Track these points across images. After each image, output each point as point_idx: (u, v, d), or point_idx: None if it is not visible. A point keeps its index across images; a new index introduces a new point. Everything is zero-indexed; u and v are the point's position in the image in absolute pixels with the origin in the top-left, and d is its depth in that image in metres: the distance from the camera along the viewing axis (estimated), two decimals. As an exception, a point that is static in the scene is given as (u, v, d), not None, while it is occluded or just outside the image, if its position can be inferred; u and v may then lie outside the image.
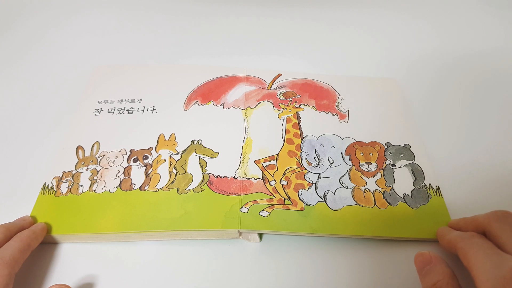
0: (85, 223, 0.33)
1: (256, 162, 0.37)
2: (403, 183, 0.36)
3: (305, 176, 0.36)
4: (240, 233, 0.33)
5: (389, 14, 0.59)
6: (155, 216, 0.33)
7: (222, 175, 0.36)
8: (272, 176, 0.36)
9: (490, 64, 0.51)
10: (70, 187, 0.36)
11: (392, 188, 0.36)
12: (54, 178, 0.36)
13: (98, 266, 0.32)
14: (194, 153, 0.38)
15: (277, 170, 0.37)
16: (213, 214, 0.33)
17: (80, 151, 0.38)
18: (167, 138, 0.39)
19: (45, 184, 0.36)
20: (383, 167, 0.38)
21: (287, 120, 0.41)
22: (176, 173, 0.36)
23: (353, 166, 0.37)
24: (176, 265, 0.32)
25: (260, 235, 0.34)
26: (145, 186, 0.35)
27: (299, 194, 0.35)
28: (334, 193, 0.35)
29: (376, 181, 0.36)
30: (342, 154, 0.38)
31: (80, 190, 0.35)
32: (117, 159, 0.38)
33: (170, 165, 0.37)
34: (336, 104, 0.43)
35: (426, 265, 0.29)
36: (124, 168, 0.37)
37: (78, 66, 0.49)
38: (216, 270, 0.32)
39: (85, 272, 0.32)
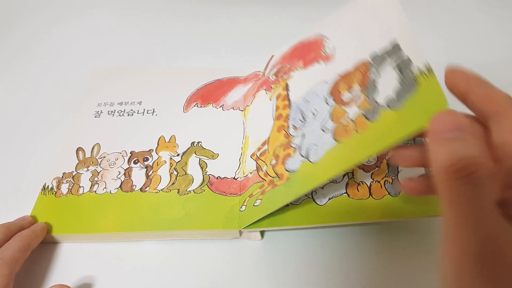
0: (86, 224, 0.33)
1: (251, 156, 0.37)
2: (388, 87, 0.27)
3: (291, 144, 0.33)
4: (240, 233, 0.33)
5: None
6: (156, 217, 0.33)
7: (222, 176, 0.36)
8: (264, 162, 0.35)
9: (494, 70, 0.49)
10: (70, 188, 0.36)
11: (375, 101, 0.28)
12: (54, 179, 0.37)
13: (98, 266, 0.32)
14: (194, 154, 0.38)
15: (268, 152, 0.35)
16: (213, 214, 0.33)
17: (80, 153, 0.39)
18: (167, 140, 0.39)
19: (45, 184, 0.36)
20: (366, 85, 0.30)
21: (277, 97, 0.39)
22: (177, 175, 0.36)
23: (335, 104, 0.31)
24: (177, 265, 0.32)
25: (262, 233, 0.34)
26: (146, 188, 0.36)
27: (286, 166, 0.32)
28: (317, 145, 0.31)
29: (358, 106, 0.29)
30: (325, 98, 0.33)
31: (81, 191, 0.36)
32: (117, 161, 0.38)
33: (171, 166, 0.37)
34: (323, 50, 0.38)
35: (454, 130, 0.19)
36: (125, 170, 0.37)
37: (78, 67, 0.49)
38: (217, 269, 0.32)
39: (85, 272, 0.32)
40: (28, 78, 0.49)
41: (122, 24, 0.57)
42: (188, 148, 0.39)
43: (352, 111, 0.29)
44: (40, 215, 0.34)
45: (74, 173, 0.37)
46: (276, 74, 0.41)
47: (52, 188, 0.36)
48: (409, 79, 0.26)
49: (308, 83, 0.36)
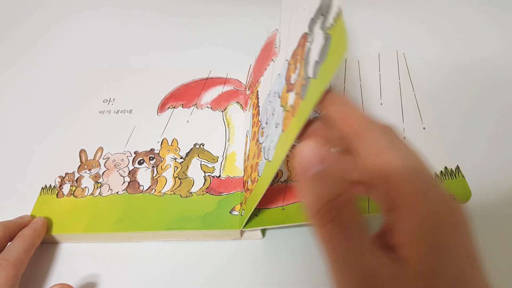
0: (87, 224, 0.33)
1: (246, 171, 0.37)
2: (315, 53, 0.23)
3: (261, 150, 0.32)
4: (242, 234, 0.34)
5: (387, 16, 0.58)
6: (159, 218, 0.34)
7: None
8: (249, 176, 0.35)
9: (492, 67, 0.50)
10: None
11: (308, 75, 0.24)
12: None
13: (99, 266, 0.32)
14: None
15: (248, 164, 0.36)
16: (214, 215, 0.34)
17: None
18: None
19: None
20: (304, 59, 0.26)
21: (253, 106, 0.39)
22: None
23: (285, 92, 0.28)
24: (177, 265, 0.32)
25: (263, 232, 0.34)
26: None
27: (258, 173, 0.32)
28: (273, 141, 0.28)
29: (296, 87, 0.27)
30: (278, 93, 0.30)
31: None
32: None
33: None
34: (275, 46, 0.37)
35: (317, 164, 0.19)
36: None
37: (78, 67, 0.49)
38: (218, 268, 0.32)
39: (86, 272, 0.32)
40: (30, 76, 0.48)
41: (121, 24, 0.56)
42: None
43: (291, 94, 0.27)
44: (40, 215, 0.33)
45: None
46: (249, 87, 0.42)
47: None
48: (327, 36, 0.22)
49: (268, 84, 0.35)
